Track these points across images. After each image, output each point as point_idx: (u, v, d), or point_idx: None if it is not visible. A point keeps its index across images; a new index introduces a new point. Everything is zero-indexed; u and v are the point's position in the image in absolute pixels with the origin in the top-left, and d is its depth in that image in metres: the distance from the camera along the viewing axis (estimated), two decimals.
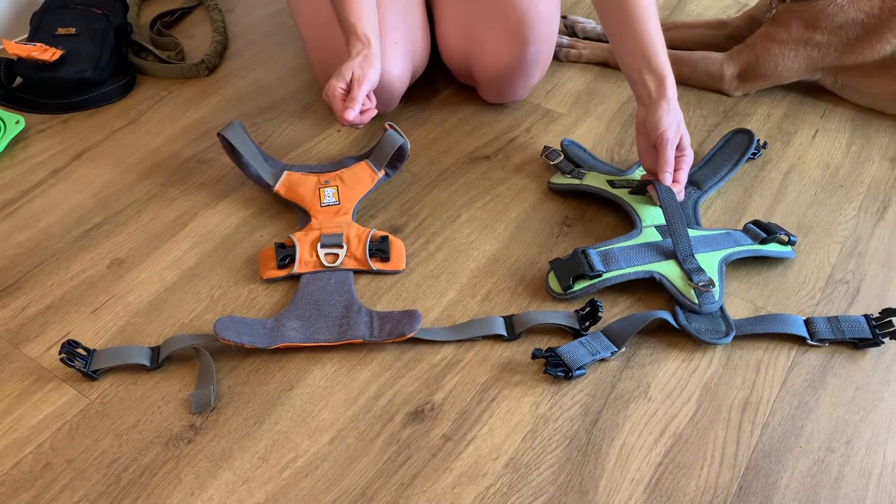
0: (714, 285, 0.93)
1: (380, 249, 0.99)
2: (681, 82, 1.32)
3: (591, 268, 0.94)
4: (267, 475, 0.78)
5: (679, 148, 1.01)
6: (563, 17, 1.45)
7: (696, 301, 0.92)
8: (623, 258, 0.96)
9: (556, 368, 0.86)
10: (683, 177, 1.01)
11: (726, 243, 0.99)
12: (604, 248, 0.97)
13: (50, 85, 1.22)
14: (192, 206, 1.08)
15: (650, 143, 1.02)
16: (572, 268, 0.95)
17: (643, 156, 1.05)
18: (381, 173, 1.07)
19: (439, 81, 1.32)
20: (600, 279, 0.94)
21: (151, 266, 0.99)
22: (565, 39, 1.40)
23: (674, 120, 1.00)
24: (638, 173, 1.11)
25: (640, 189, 1.04)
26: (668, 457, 0.81)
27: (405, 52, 1.14)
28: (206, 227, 1.05)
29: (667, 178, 0.99)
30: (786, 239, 1.01)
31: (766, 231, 1.01)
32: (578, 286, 0.95)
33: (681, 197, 1.00)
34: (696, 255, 0.96)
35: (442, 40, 1.21)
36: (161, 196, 1.10)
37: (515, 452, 0.80)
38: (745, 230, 1.02)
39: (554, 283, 0.96)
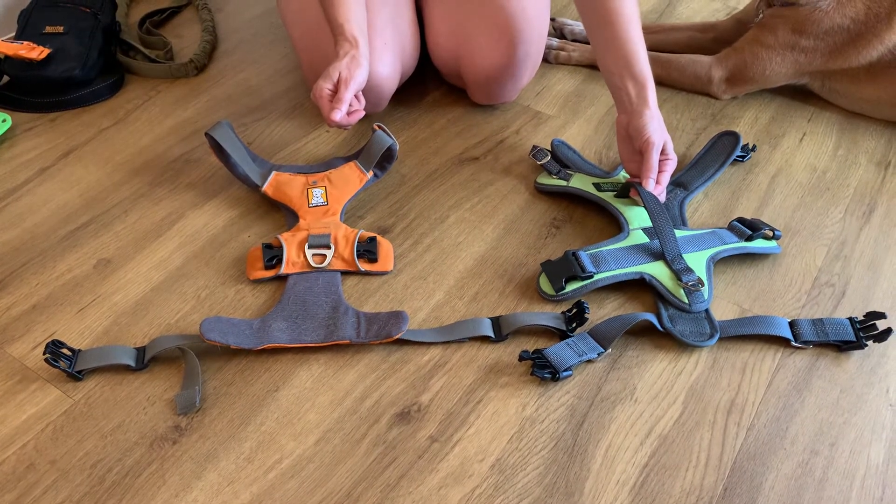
0: (703, 284, 0.94)
1: (367, 250, 0.99)
2: (669, 85, 1.33)
3: (583, 269, 0.94)
4: (252, 476, 0.78)
5: (663, 152, 1.01)
6: (552, 20, 1.45)
7: (686, 301, 0.92)
8: (613, 260, 0.96)
9: (543, 370, 0.86)
10: (665, 179, 1.02)
11: (713, 242, 0.99)
12: (593, 251, 0.97)
13: (37, 83, 1.22)
14: (180, 205, 1.08)
15: (633, 149, 1.03)
16: (564, 270, 0.95)
17: (626, 161, 1.05)
18: (370, 174, 1.07)
19: (429, 83, 1.32)
20: (591, 280, 0.95)
21: (138, 266, 0.99)
22: (555, 41, 1.40)
23: (658, 125, 1.00)
24: (623, 175, 1.11)
25: (624, 192, 1.05)
26: (654, 458, 0.81)
27: (394, 52, 1.14)
28: (194, 227, 1.04)
29: (650, 184, 0.99)
30: (770, 234, 1.01)
31: (750, 227, 1.01)
32: (570, 287, 0.95)
33: (662, 198, 1.01)
34: (683, 256, 0.96)
35: (431, 41, 1.21)
36: (148, 196, 1.09)
37: (501, 454, 0.81)
38: (731, 228, 1.03)
39: (546, 285, 0.96)
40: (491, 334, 0.91)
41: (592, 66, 1.38)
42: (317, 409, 0.84)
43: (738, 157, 1.17)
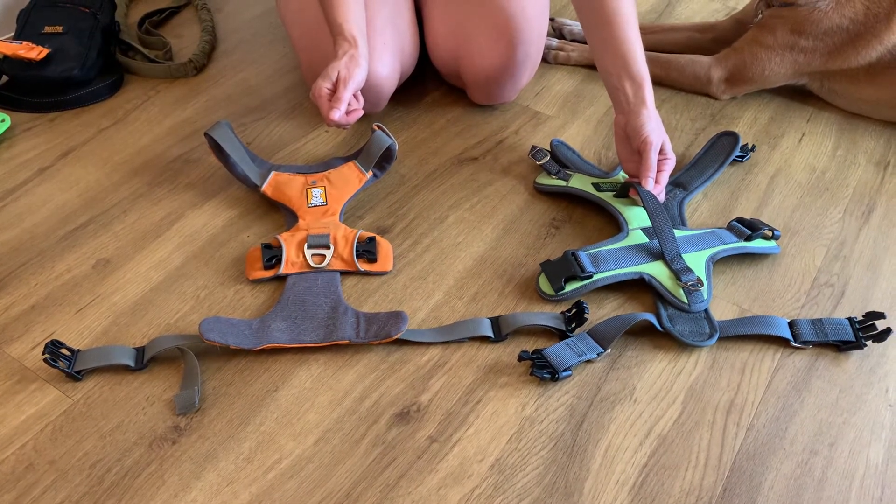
0: (702, 284, 0.94)
1: (367, 250, 0.99)
2: (668, 85, 1.33)
3: (582, 269, 0.94)
4: (251, 476, 0.78)
5: (661, 152, 1.01)
6: (551, 20, 1.45)
7: (686, 300, 0.92)
8: (612, 260, 0.96)
9: (543, 370, 0.86)
10: (664, 179, 1.02)
11: (712, 242, 0.99)
12: (593, 251, 0.97)
13: (36, 83, 1.22)
14: (179, 206, 1.08)
15: (632, 149, 1.03)
16: (563, 269, 0.95)
17: (625, 161, 1.05)
18: (369, 174, 1.07)
19: (428, 83, 1.32)
20: (591, 280, 0.95)
21: (137, 266, 0.99)
22: (554, 42, 1.40)
23: (655, 125, 1.00)
24: (622, 175, 1.11)
25: (623, 192, 1.05)
26: (653, 458, 0.81)
27: (394, 52, 1.14)
28: (193, 227, 1.04)
29: (649, 183, 0.99)
30: (770, 234, 1.02)
31: (749, 227, 1.01)
32: (570, 287, 0.95)
33: (662, 198, 1.01)
34: (683, 255, 0.96)
35: (431, 41, 1.21)
36: (147, 196, 1.09)
37: (501, 454, 0.80)
38: (730, 228, 1.03)
39: (545, 285, 0.96)
40: (490, 334, 0.91)
41: (591, 67, 1.38)
42: (316, 410, 0.84)
43: (737, 157, 1.17)
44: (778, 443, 0.83)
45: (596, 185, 1.08)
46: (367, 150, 1.08)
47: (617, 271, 0.95)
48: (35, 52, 1.20)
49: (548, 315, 0.92)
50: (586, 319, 0.89)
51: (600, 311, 0.95)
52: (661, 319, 0.92)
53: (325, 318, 0.90)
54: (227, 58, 1.38)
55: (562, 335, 0.91)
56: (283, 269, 0.96)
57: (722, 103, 1.31)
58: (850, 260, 1.04)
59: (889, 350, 0.92)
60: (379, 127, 1.08)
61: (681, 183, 1.11)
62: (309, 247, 0.98)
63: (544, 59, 1.38)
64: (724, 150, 1.16)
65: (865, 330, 0.91)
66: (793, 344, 0.92)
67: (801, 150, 1.23)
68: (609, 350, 0.89)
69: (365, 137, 1.17)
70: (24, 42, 1.21)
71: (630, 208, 1.04)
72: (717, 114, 1.29)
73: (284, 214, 1.05)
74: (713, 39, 1.39)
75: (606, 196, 1.06)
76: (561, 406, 0.85)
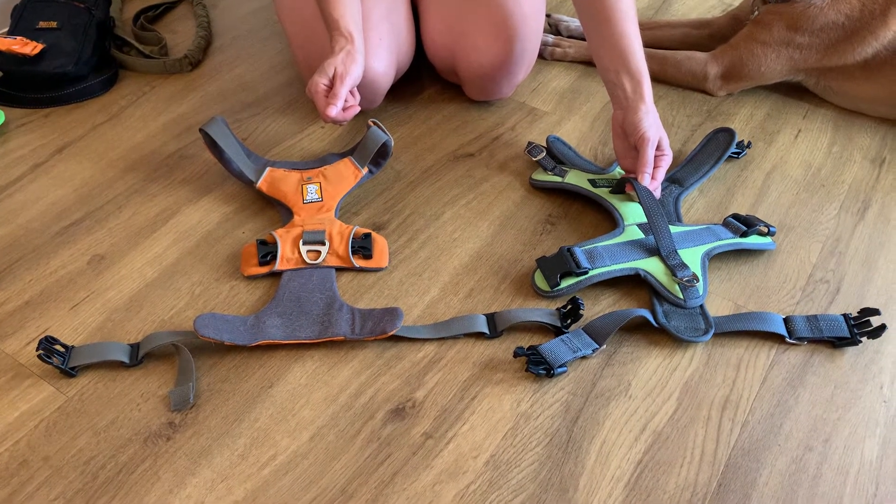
0: (698, 280, 0.94)
1: (362, 247, 0.98)
2: (665, 82, 1.33)
3: (578, 265, 0.94)
4: (246, 473, 0.78)
5: (658, 148, 1.02)
6: (548, 16, 1.45)
7: (681, 296, 0.92)
8: (608, 256, 0.96)
9: (538, 366, 0.86)
10: (661, 175, 1.02)
11: (708, 238, 0.99)
12: (588, 247, 0.97)
13: (31, 79, 1.21)
14: (174, 202, 1.07)
15: (629, 144, 1.03)
16: (559, 265, 0.95)
17: (621, 157, 1.05)
18: (365, 170, 1.07)
19: (424, 79, 1.32)
20: (586, 276, 0.95)
21: (132, 262, 0.98)
22: (550, 38, 1.40)
23: (653, 121, 1.00)
24: (618, 171, 1.11)
25: (619, 188, 1.05)
26: (648, 455, 0.81)
27: (390, 48, 1.13)
28: (188, 223, 1.04)
29: (646, 179, 0.99)
30: (765, 230, 1.02)
31: (745, 224, 1.02)
32: (565, 283, 0.95)
33: (658, 194, 1.01)
34: (678, 251, 0.96)
35: (427, 37, 1.21)
36: (142, 192, 1.09)
37: (496, 450, 0.80)
38: (725, 224, 1.03)
39: (541, 281, 0.96)
40: (486, 331, 0.91)
41: (588, 63, 1.37)
42: (311, 406, 0.84)
43: (733, 153, 1.17)
44: (773, 439, 0.83)
45: (592, 182, 1.08)
46: (362, 146, 1.07)
47: (612, 267, 0.95)
48: (29, 47, 1.19)
49: (543, 311, 0.92)
50: (582, 315, 0.89)
51: (596, 308, 0.95)
52: (656, 315, 0.92)
53: (321, 315, 0.90)
54: (222, 53, 1.38)
55: (557, 331, 0.91)
56: (278, 266, 0.96)
57: (718, 100, 1.31)
58: (845, 256, 1.04)
59: (884, 346, 0.92)
60: (374, 123, 1.07)
61: (677, 179, 1.11)
62: (304, 243, 0.98)
63: (541, 56, 1.38)
64: (720, 146, 1.16)
65: (860, 326, 0.91)
66: (788, 340, 0.92)
67: (797, 146, 1.23)
68: (604, 346, 0.89)
69: (360, 134, 1.17)
70: (19, 37, 1.21)
71: (626, 204, 1.04)
72: (714, 110, 1.29)
73: (280, 210, 1.05)
74: (709, 36, 1.39)
75: (602, 192, 1.06)
76: (556, 402, 0.85)
